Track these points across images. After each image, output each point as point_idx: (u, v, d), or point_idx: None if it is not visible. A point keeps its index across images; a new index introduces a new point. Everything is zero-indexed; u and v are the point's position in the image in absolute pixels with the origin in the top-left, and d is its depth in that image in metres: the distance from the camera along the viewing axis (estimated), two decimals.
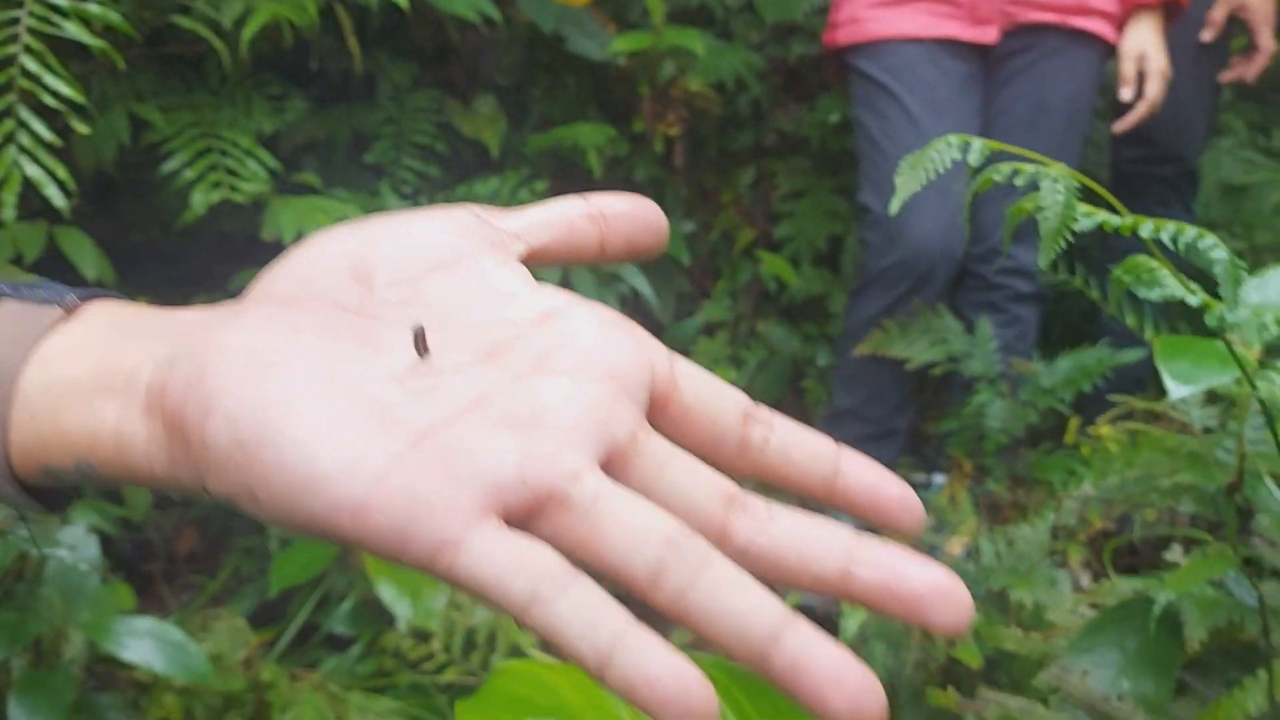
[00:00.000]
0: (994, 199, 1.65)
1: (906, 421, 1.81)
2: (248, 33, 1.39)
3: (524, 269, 0.37)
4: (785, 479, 0.34)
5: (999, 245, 1.70)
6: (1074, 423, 1.92)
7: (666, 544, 0.30)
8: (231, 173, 1.47)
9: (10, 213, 1.12)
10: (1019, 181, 0.64)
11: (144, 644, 1.17)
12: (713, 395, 0.34)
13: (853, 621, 1.16)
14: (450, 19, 1.80)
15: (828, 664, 0.27)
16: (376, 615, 1.50)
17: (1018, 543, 1.29)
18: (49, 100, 1.16)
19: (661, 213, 0.40)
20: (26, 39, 1.14)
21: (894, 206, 0.58)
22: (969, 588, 1.00)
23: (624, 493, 0.31)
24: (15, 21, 1.14)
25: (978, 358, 1.70)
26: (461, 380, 0.32)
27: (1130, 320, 1.83)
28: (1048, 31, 1.64)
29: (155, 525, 1.64)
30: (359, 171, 1.75)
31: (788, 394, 2.20)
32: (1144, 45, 1.66)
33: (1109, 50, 1.70)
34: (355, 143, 1.77)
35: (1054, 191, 0.60)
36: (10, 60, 1.14)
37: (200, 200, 1.41)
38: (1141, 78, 1.67)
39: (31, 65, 1.13)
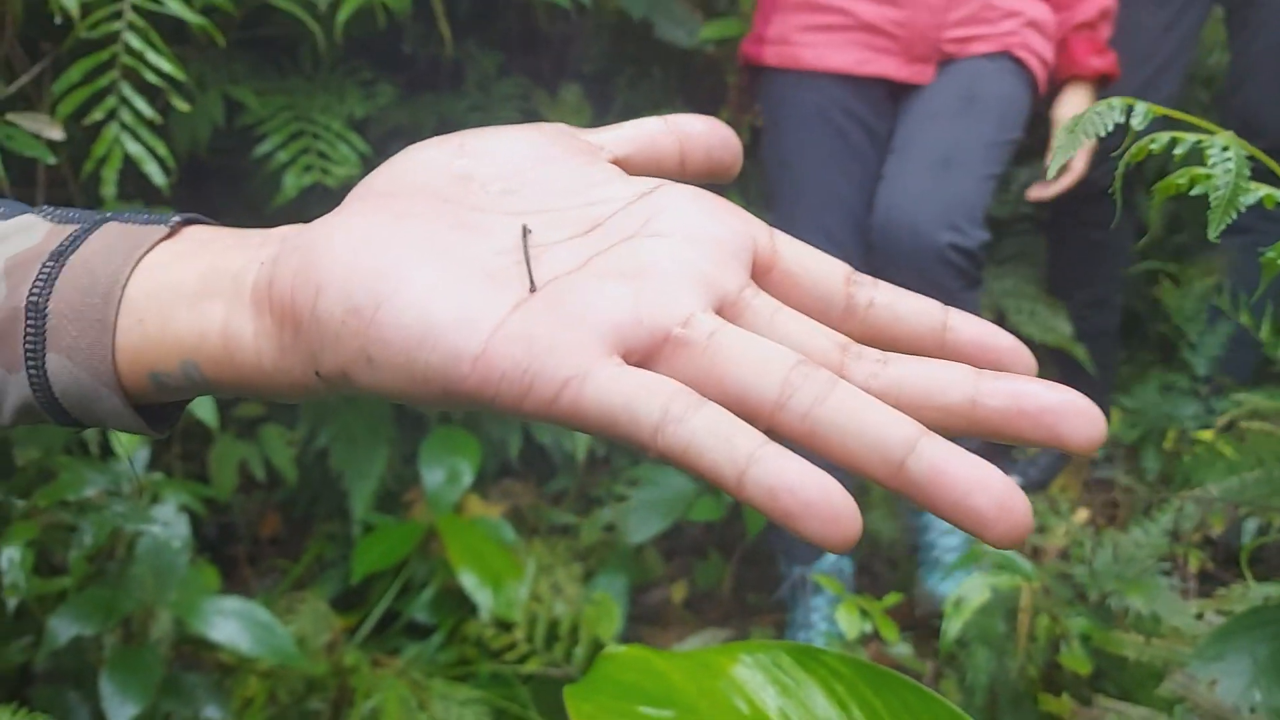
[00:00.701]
0: (915, 181, 1.46)
1: (846, 478, 1.66)
2: (342, 15, 1.38)
3: (615, 167, 0.37)
4: (894, 336, 0.33)
5: (932, 231, 1.46)
6: (1174, 429, 1.85)
7: (791, 368, 0.29)
8: (323, 156, 1.47)
9: (111, 190, 1.12)
10: (1179, 152, 0.60)
11: (232, 624, 1.17)
12: (815, 262, 0.35)
13: (954, 624, 1.12)
14: (541, 6, 1.78)
15: (970, 469, 0.27)
16: (458, 604, 1.49)
17: (1124, 545, 1.23)
18: (150, 77, 1.16)
19: (735, 135, 0.40)
20: (130, 16, 1.14)
21: (1051, 172, 0.55)
22: (1076, 593, 0.94)
23: (740, 330, 0.31)
24: None
25: (1202, 353, 1.68)
26: (567, 249, 0.33)
27: (1245, 317, 1.76)
28: (985, 56, 1.50)
29: (240, 508, 1.64)
30: None
31: None
32: None
33: (1038, 93, 1.58)
34: (441, 129, 1.76)
35: (1224, 160, 0.56)
36: (114, 37, 1.14)
37: (292, 183, 1.41)
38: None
39: (135, 42, 1.13)
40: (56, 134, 1.09)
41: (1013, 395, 0.29)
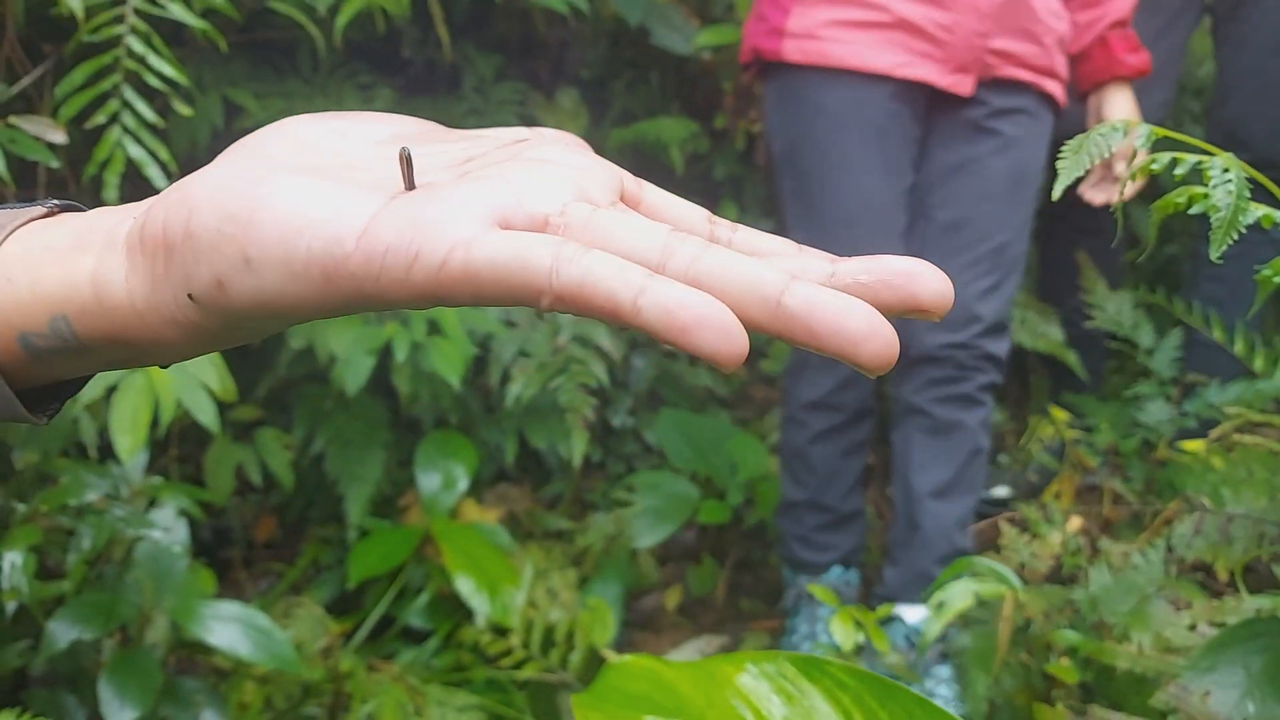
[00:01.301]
0: (974, 272, 1.44)
1: (862, 504, 1.59)
2: (342, 19, 1.38)
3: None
4: None
5: (977, 327, 1.44)
6: (1158, 438, 1.86)
7: (668, 235, 0.31)
8: None
9: (114, 193, 1.12)
10: (1179, 172, 0.61)
11: (230, 629, 1.17)
12: (678, 203, 0.36)
13: (935, 626, 1.12)
14: (539, 11, 1.79)
15: (840, 300, 0.29)
16: (453, 610, 1.49)
17: (1121, 568, 1.23)
18: (152, 81, 1.16)
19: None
20: (132, 20, 1.14)
21: (1056, 191, 0.55)
22: (1076, 617, 0.94)
23: (614, 212, 0.32)
24: (122, 2, 1.14)
25: (1160, 356, 1.69)
26: (445, 173, 0.34)
27: (1217, 334, 1.78)
28: (1020, 91, 1.44)
29: (235, 512, 1.64)
30: None
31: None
32: (1132, 115, 1.54)
33: (1059, 114, 1.55)
34: None
35: (1224, 181, 0.57)
36: (116, 41, 1.14)
37: None
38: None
39: (137, 46, 1.13)
40: (59, 137, 1.09)
41: (865, 268, 0.31)
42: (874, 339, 0.28)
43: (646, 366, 1.87)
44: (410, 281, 0.30)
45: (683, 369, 1.95)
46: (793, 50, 1.42)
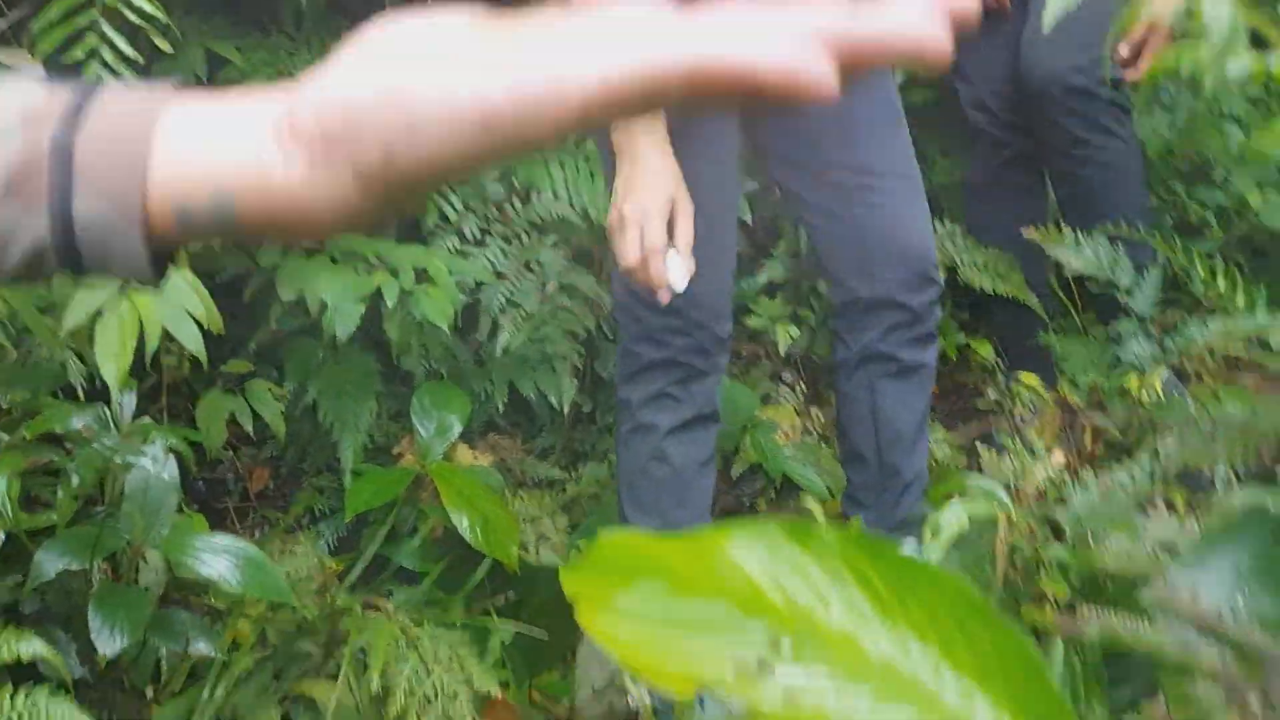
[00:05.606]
0: (890, 223, 1.39)
1: None
2: None
3: None
4: None
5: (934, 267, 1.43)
6: (1133, 376, 1.86)
7: None
8: None
9: None
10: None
11: (222, 560, 1.17)
12: None
13: (933, 551, 1.12)
14: None
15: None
16: (444, 551, 1.49)
17: (1112, 492, 1.24)
18: (132, 17, 1.16)
19: None
20: None
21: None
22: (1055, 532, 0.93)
23: None
24: None
25: (1140, 296, 1.67)
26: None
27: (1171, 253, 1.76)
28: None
29: (229, 465, 1.64)
30: None
31: None
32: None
33: None
34: None
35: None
36: None
37: None
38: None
39: None
40: (35, 71, 1.08)
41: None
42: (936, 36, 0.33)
43: None
44: (566, 104, 0.33)
45: None
46: None
